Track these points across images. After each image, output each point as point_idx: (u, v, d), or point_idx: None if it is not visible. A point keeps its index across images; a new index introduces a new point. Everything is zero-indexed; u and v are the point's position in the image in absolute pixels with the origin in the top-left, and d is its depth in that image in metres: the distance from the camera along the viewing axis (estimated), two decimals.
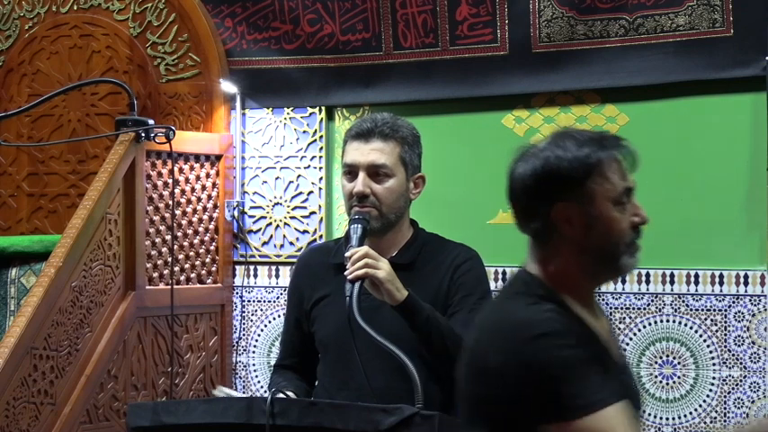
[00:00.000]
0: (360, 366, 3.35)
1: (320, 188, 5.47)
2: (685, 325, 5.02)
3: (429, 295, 3.41)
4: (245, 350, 5.51)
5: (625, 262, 2.61)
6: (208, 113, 5.50)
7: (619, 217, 2.58)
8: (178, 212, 5.25)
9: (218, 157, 5.47)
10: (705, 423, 4.99)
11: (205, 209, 5.41)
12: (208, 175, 5.43)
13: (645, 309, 5.06)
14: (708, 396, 4.99)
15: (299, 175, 5.51)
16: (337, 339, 3.41)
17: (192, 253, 5.32)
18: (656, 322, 5.05)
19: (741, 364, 4.96)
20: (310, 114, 5.51)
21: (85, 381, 4.70)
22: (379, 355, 3.30)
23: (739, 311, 4.96)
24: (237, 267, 5.53)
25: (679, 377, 5.03)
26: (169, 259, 5.14)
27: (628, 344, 5.08)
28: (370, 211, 3.40)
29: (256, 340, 5.51)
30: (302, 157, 5.51)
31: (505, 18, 5.17)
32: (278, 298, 5.50)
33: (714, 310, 4.99)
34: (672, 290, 5.03)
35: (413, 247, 3.47)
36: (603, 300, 5.09)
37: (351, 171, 3.43)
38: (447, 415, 2.99)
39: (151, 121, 5.00)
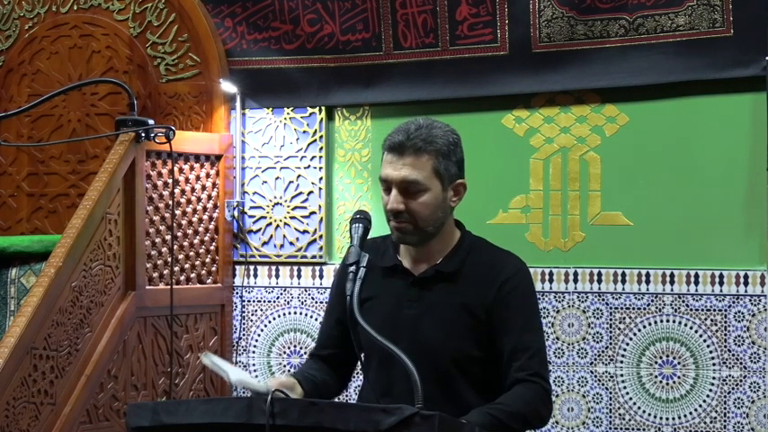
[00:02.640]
0: (400, 371, 3.31)
1: (320, 188, 5.47)
2: (685, 325, 5.02)
3: (472, 305, 3.38)
4: (245, 350, 5.51)
5: None
6: (208, 113, 5.50)
7: None
8: (178, 212, 5.25)
9: (218, 157, 5.47)
10: (705, 423, 4.99)
11: (205, 209, 5.41)
12: (208, 175, 5.43)
13: (645, 309, 5.06)
14: (708, 396, 4.99)
15: (299, 175, 5.51)
16: (379, 344, 3.37)
17: (191, 253, 5.32)
18: (656, 322, 5.06)
19: (741, 364, 4.96)
20: (310, 114, 5.51)
21: (85, 381, 4.70)
22: (418, 362, 3.22)
23: (739, 311, 4.96)
24: (237, 267, 5.54)
25: (679, 377, 5.03)
26: (169, 259, 5.14)
27: (628, 344, 5.08)
28: (406, 226, 3.36)
29: (256, 340, 5.51)
30: (302, 157, 5.51)
31: (505, 18, 5.18)
32: (278, 298, 5.50)
33: (714, 310, 4.99)
34: (672, 290, 5.03)
35: (458, 253, 3.41)
36: (603, 299, 5.10)
37: (385, 185, 3.38)
38: (447, 415, 2.99)
39: (151, 121, 5.00)
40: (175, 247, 5.19)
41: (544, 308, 5.15)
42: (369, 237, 3.43)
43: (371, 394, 3.40)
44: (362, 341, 3.42)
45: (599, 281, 5.11)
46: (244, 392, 5.46)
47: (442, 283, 3.40)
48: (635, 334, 5.07)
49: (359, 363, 3.48)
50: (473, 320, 3.37)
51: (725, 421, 4.97)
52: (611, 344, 5.10)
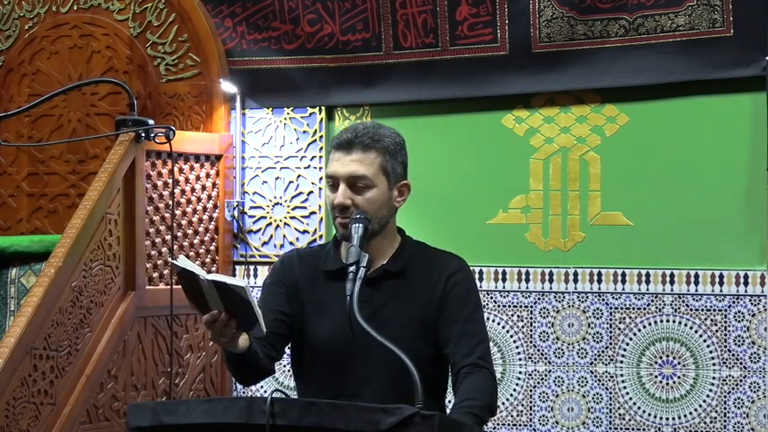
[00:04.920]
0: (357, 372, 3.36)
1: (320, 188, 5.47)
2: (685, 325, 5.03)
3: (421, 302, 3.44)
4: None
5: None
6: (208, 113, 5.50)
7: None
8: (178, 212, 5.25)
9: (218, 157, 5.47)
10: (705, 423, 4.99)
11: (205, 209, 5.41)
12: (208, 175, 5.43)
13: (645, 309, 5.06)
14: (708, 396, 4.99)
15: (299, 175, 5.51)
16: (333, 346, 3.41)
17: (192, 253, 5.32)
18: (656, 322, 5.06)
19: (741, 364, 4.96)
20: (310, 114, 5.51)
21: (85, 381, 4.70)
22: (376, 363, 3.33)
23: (739, 311, 4.96)
24: (237, 267, 5.54)
25: (679, 377, 5.03)
26: (169, 259, 5.14)
27: (628, 344, 5.08)
28: (369, 218, 3.42)
29: None
30: (302, 157, 5.51)
31: (505, 18, 5.18)
32: None
33: (714, 310, 4.99)
34: (672, 290, 5.03)
35: (403, 255, 3.49)
36: (603, 299, 5.10)
37: (333, 182, 3.45)
38: (447, 415, 3.00)
39: (151, 121, 5.01)
40: (175, 247, 5.19)
41: (544, 308, 5.16)
42: (308, 246, 3.46)
43: (319, 394, 3.41)
44: (313, 342, 3.44)
45: (599, 281, 5.11)
46: (244, 393, 5.45)
47: (390, 283, 3.45)
48: (635, 334, 5.07)
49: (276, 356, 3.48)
50: (424, 318, 3.43)
51: (725, 421, 4.97)
52: (611, 344, 5.10)
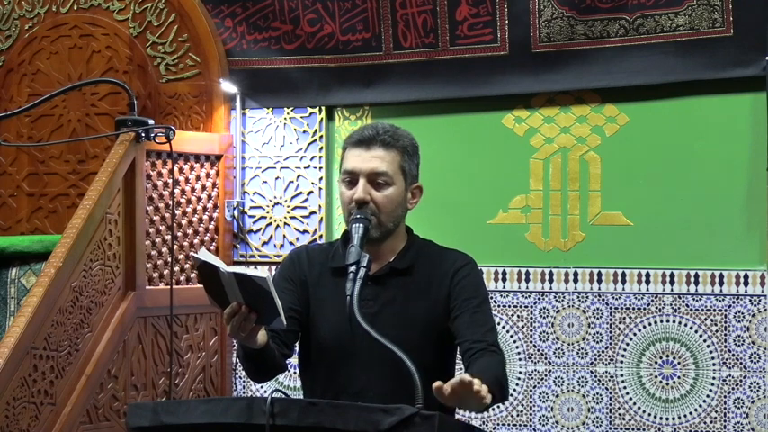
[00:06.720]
0: (361, 369, 3.37)
1: (320, 188, 5.47)
2: (685, 325, 5.03)
3: (428, 299, 3.44)
4: None
5: None
6: (208, 113, 5.50)
7: None
8: (178, 212, 5.25)
9: (218, 157, 5.47)
10: (705, 423, 4.99)
11: (205, 209, 5.41)
12: (208, 175, 5.43)
13: (645, 309, 5.06)
14: (708, 396, 4.99)
15: (299, 175, 5.51)
16: (337, 343, 3.41)
17: (192, 253, 5.31)
18: (656, 322, 5.06)
19: (741, 364, 4.96)
20: (310, 114, 5.51)
21: (85, 381, 4.70)
22: (380, 361, 3.33)
23: (739, 311, 4.96)
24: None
25: (679, 377, 5.03)
26: (169, 259, 5.14)
27: (628, 344, 5.08)
28: (370, 218, 3.42)
29: None
30: (302, 157, 5.51)
31: (505, 18, 5.18)
32: None
33: (714, 310, 4.99)
34: (672, 290, 5.03)
35: (410, 252, 3.50)
36: (603, 299, 5.10)
37: (351, 178, 3.44)
38: (447, 415, 2.99)
39: (151, 121, 5.01)
40: (175, 247, 5.19)
41: (544, 308, 5.16)
42: (315, 244, 3.45)
43: (323, 395, 3.41)
44: (319, 339, 3.45)
45: (599, 281, 5.11)
46: (244, 392, 5.45)
47: (397, 281, 3.45)
48: (635, 334, 5.07)
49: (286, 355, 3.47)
50: (431, 315, 3.43)
51: (725, 421, 4.97)
52: (611, 344, 5.10)
